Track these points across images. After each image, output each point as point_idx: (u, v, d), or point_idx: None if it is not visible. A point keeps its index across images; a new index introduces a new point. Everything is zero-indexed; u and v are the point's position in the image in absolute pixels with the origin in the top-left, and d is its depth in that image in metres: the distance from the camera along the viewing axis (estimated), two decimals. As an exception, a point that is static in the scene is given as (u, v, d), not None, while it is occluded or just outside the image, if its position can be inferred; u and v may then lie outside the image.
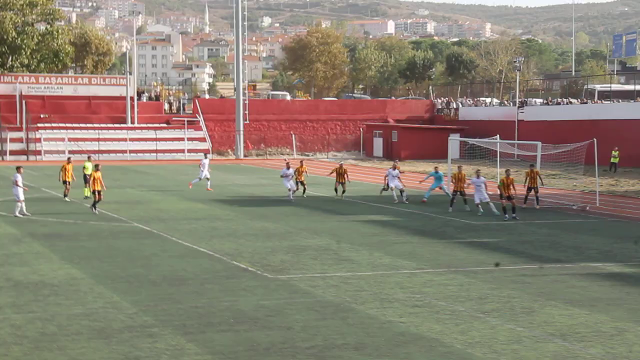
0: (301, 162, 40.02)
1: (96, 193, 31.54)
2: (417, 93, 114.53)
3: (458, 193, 33.76)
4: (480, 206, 32.11)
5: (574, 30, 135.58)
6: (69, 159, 38.70)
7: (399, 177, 36.84)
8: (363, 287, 18.36)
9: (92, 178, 32.18)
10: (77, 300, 16.80)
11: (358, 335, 14.30)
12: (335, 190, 38.26)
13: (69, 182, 36.19)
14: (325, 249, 23.66)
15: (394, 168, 37.51)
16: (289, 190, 36.96)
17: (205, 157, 43.27)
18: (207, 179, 41.65)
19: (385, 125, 77.32)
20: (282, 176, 37.75)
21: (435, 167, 37.24)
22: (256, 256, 22.20)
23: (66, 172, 36.04)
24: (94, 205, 31.66)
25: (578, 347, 13.74)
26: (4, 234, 26.14)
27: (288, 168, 37.42)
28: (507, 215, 30.82)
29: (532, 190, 34.75)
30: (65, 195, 36.09)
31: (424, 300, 16.98)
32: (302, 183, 38.48)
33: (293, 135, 77.04)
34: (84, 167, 37.80)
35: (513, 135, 62.98)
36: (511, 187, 31.03)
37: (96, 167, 32.39)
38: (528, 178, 34.78)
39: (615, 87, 79.09)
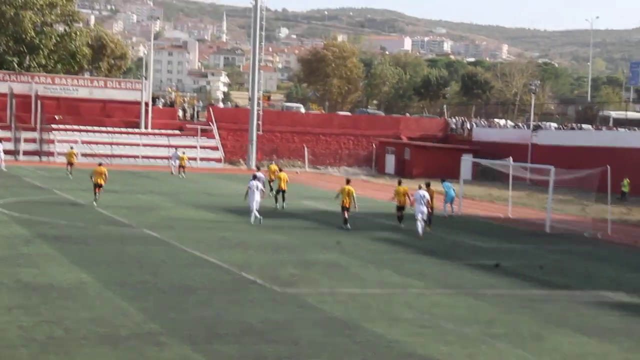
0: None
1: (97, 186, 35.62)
2: (431, 111, 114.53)
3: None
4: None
5: (591, 55, 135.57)
6: (100, 163, 39.56)
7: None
8: (371, 304, 18.28)
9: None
10: (85, 304, 16.75)
11: (365, 354, 14.21)
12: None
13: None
14: (334, 264, 23.60)
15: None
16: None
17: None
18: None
19: (398, 142, 77.32)
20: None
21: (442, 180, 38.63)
22: (265, 268, 22.16)
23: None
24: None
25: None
26: (14, 234, 26.17)
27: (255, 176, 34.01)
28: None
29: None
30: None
31: (432, 321, 16.89)
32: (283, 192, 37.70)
33: (305, 148, 77.09)
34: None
35: (526, 158, 62.78)
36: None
37: (100, 163, 36.75)
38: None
39: (631, 114, 78.91)
